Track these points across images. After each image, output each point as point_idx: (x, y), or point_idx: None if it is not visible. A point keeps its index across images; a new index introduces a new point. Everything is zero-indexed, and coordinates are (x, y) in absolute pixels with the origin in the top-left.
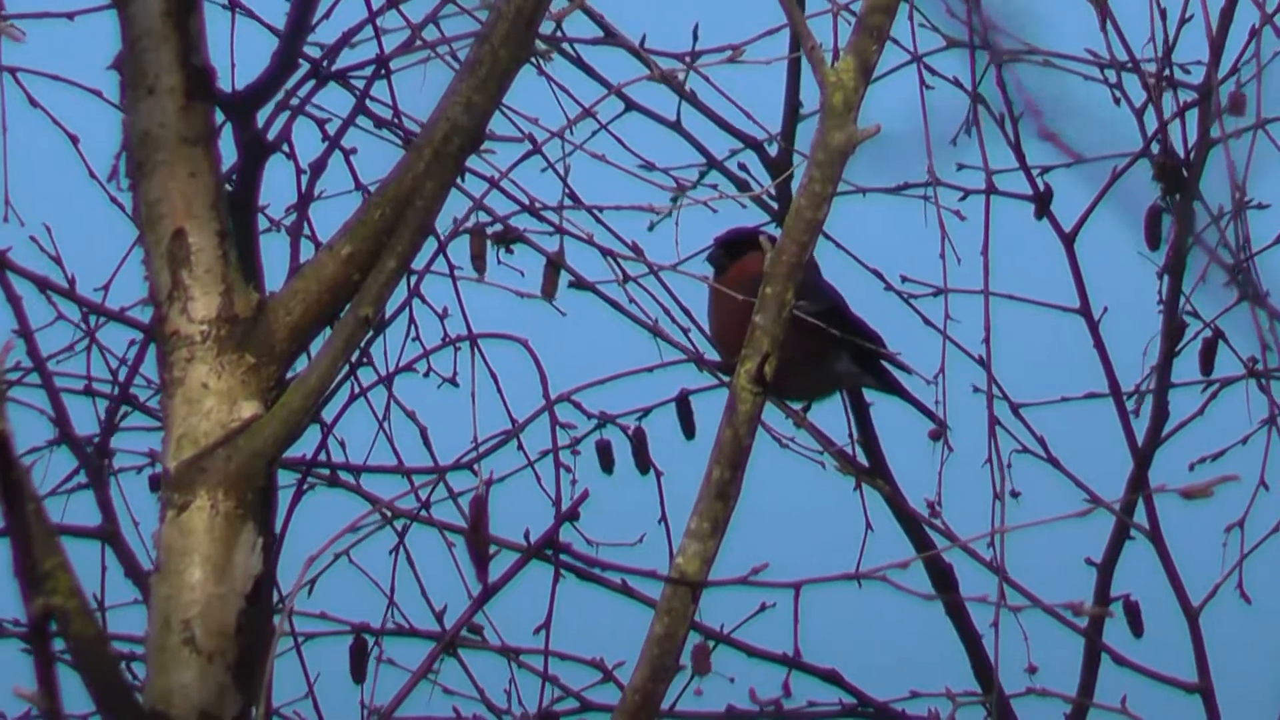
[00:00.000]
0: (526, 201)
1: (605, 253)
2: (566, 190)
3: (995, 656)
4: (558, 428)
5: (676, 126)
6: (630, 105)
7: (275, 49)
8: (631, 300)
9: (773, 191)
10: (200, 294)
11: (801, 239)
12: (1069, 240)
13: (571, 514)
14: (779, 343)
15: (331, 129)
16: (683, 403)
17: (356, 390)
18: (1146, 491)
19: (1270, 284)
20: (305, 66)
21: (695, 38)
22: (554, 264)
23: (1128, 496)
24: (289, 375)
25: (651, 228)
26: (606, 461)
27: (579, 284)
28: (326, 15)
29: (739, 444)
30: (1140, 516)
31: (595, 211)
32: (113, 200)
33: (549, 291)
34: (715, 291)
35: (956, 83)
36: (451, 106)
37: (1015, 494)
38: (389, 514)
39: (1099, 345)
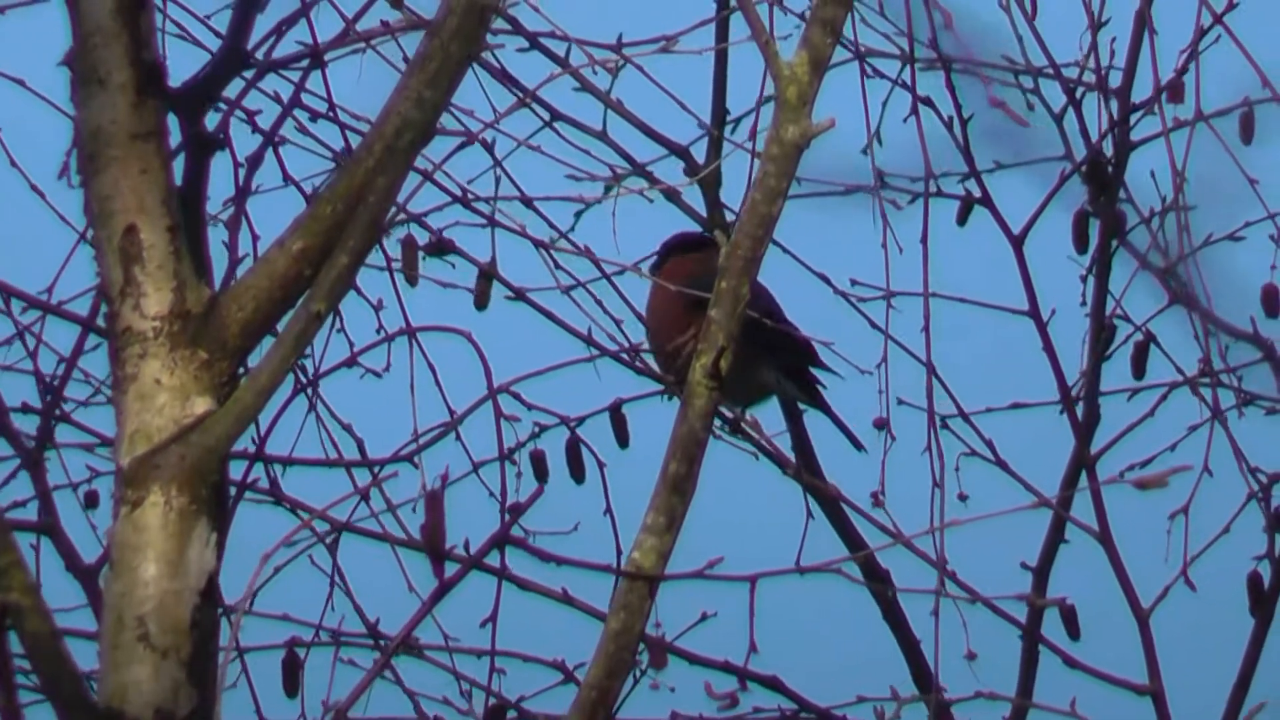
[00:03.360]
0: (459, 193)
1: (538, 245)
2: (511, 180)
3: (935, 646)
4: (501, 419)
5: (602, 136)
6: (555, 115)
7: (220, 45)
8: (549, 313)
9: (685, 186)
10: (152, 290)
11: (756, 233)
12: (1017, 242)
13: (517, 516)
14: (734, 337)
15: (266, 123)
16: (616, 412)
17: (298, 385)
18: (1095, 493)
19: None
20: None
21: (619, 42)
22: (486, 274)
23: (1061, 493)
24: (241, 371)
25: (579, 215)
26: (541, 471)
27: (516, 295)
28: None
29: (695, 438)
30: (1089, 519)
31: (533, 205)
32: (34, 188)
33: (481, 302)
34: (650, 292)
35: (902, 85)
36: (402, 101)
37: (963, 497)
38: (318, 527)
39: (1048, 347)
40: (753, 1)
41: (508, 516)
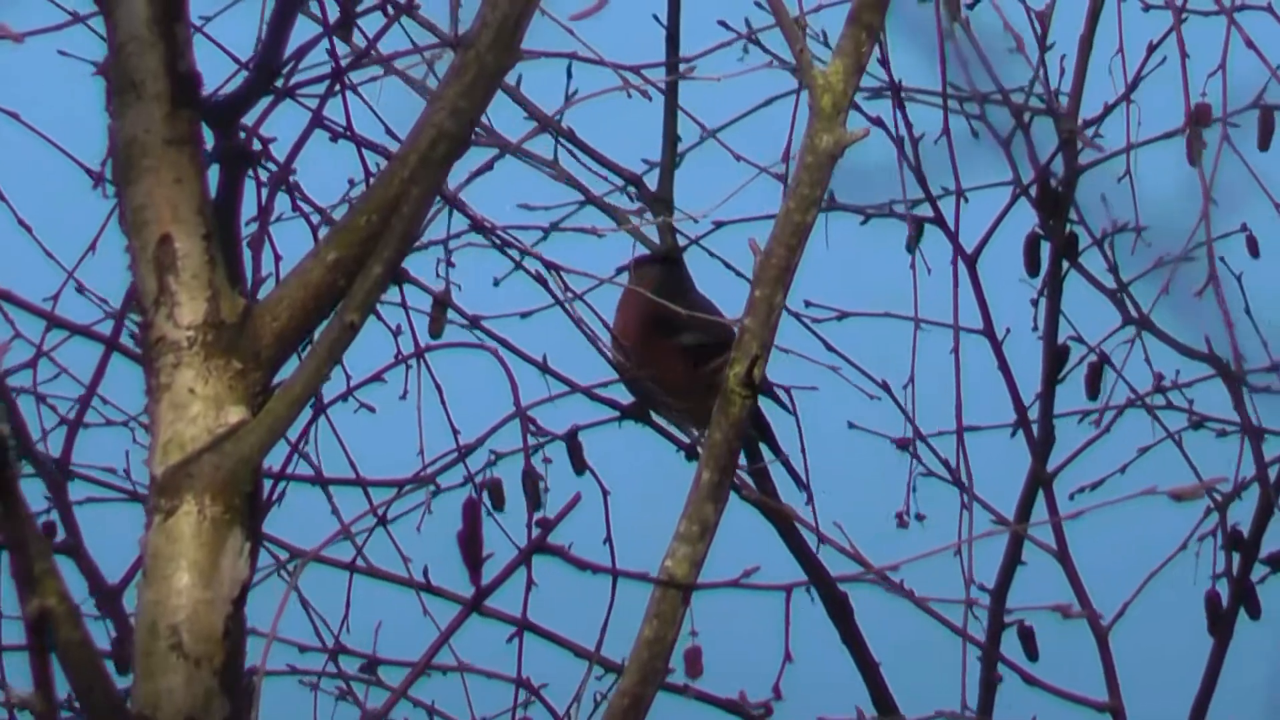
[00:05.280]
0: (477, 219)
1: (549, 266)
2: (462, 211)
3: (963, 670)
4: (528, 436)
5: (554, 166)
6: (505, 149)
7: (253, 58)
8: (506, 341)
9: (648, 221)
10: (187, 299)
11: (790, 242)
12: (970, 262)
13: (551, 526)
14: (768, 346)
15: (280, 147)
16: (572, 439)
17: (316, 409)
18: (1052, 512)
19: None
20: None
21: (569, 75)
22: (441, 303)
23: (1019, 513)
24: (275, 381)
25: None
26: (498, 500)
27: (470, 323)
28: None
29: (728, 447)
30: (1046, 538)
31: (494, 233)
32: (20, 224)
33: (435, 329)
34: (615, 317)
35: (854, 106)
36: (438, 112)
37: (921, 517)
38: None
39: (1003, 366)
40: (785, 9)
41: (538, 529)
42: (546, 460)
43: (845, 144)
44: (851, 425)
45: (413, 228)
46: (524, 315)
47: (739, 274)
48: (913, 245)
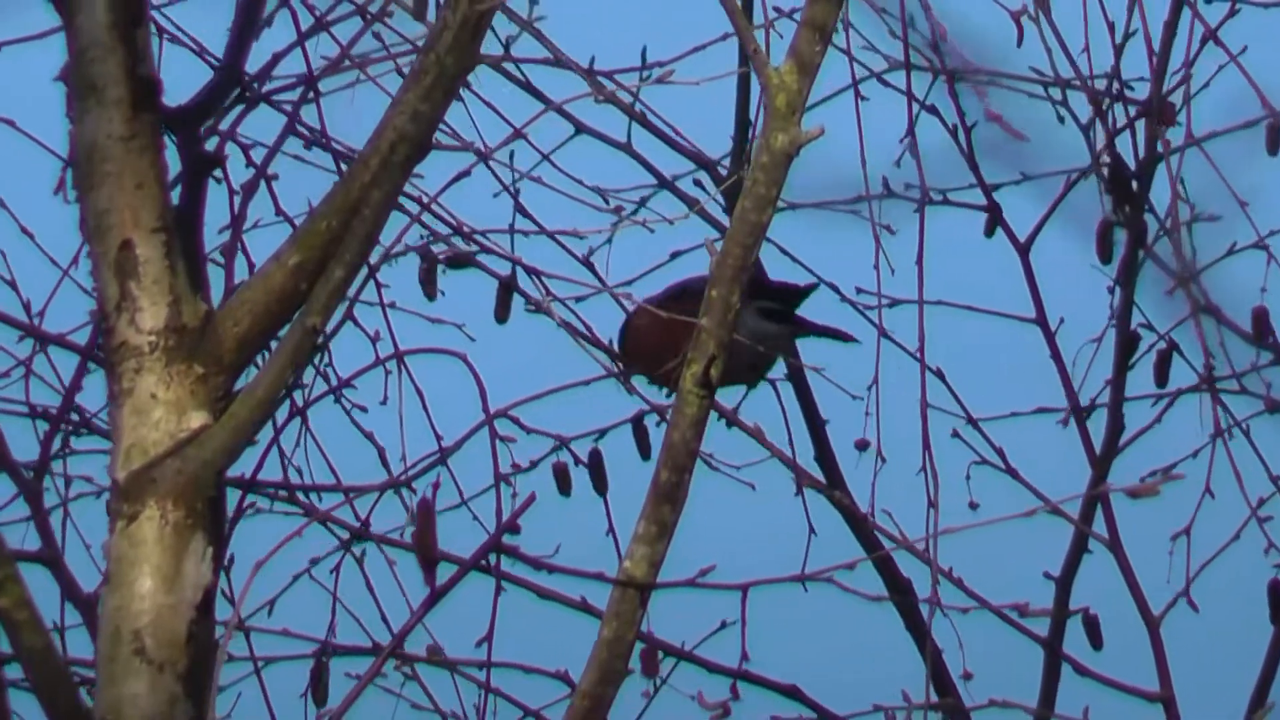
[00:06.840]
0: (455, 224)
1: (530, 272)
2: (519, 208)
3: (926, 655)
4: (497, 441)
5: (626, 148)
6: (580, 128)
7: (218, 65)
8: (569, 325)
9: (719, 203)
10: (148, 304)
11: (746, 242)
12: (1024, 251)
13: (512, 525)
14: (725, 346)
15: (258, 153)
16: (638, 424)
17: (300, 405)
18: (1105, 501)
19: (1222, 295)
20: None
21: (644, 59)
22: (506, 286)
23: (1085, 505)
24: (237, 386)
25: (591, 253)
26: (564, 485)
27: (536, 308)
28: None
29: (686, 447)
30: (1100, 527)
31: (548, 233)
32: (23, 230)
33: (502, 314)
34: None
35: (911, 96)
36: (398, 116)
37: (974, 505)
38: (346, 535)
39: (1056, 356)
40: (742, 14)
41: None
42: (517, 467)
43: (801, 143)
44: (930, 404)
45: (374, 231)
46: (548, 305)
47: (798, 261)
48: (989, 231)
